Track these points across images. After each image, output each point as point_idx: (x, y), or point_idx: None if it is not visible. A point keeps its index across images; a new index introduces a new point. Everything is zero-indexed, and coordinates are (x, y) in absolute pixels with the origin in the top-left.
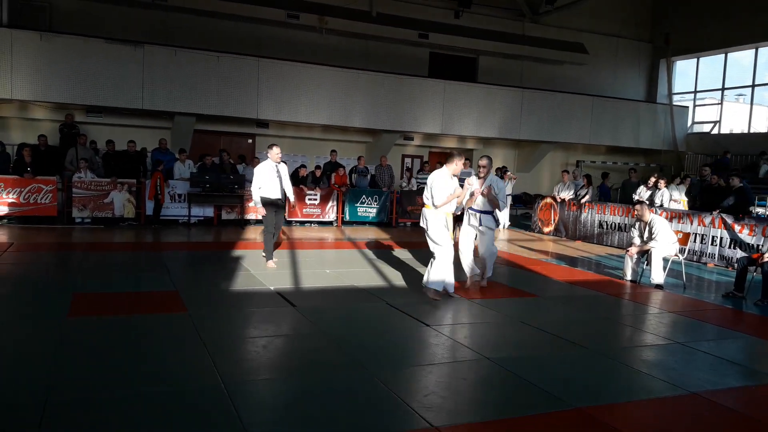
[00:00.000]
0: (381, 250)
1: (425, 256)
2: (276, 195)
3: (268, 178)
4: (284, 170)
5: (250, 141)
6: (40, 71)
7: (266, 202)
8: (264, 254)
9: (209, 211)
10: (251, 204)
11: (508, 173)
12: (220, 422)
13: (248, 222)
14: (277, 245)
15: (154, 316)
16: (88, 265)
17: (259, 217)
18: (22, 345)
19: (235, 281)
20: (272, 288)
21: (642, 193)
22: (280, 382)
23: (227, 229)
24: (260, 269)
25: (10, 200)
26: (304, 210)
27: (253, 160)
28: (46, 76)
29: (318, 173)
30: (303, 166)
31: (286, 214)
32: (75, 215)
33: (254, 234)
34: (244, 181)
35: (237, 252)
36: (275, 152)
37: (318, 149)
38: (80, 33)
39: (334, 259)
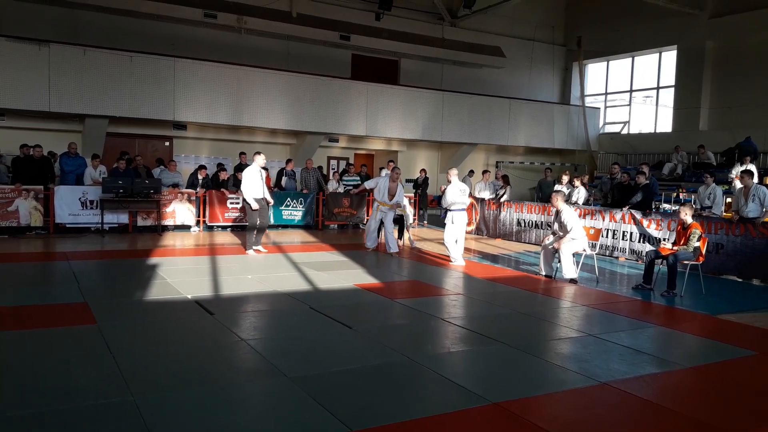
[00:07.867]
0: (307, 253)
1: (351, 257)
2: (261, 195)
3: (256, 181)
4: (264, 175)
5: (167, 144)
6: None
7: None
8: (250, 247)
9: (124, 218)
10: (168, 209)
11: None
12: None
13: (166, 228)
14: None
15: (60, 329)
16: None
17: (178, 223)
18: None
19: (150, 291)
20: (189, 296)
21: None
22: (192, 394)
23: (143, 236)
24: (177, 277)
25: None
26: (226, 214)
27: (169, 163)
28: None
29: (240, 176)
30: (223, 169)
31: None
32: None
33: (172, 240)
34: (160, 186)
35: (153, 260)
36: (262, 158)
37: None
38: None
39: (257, 264)
